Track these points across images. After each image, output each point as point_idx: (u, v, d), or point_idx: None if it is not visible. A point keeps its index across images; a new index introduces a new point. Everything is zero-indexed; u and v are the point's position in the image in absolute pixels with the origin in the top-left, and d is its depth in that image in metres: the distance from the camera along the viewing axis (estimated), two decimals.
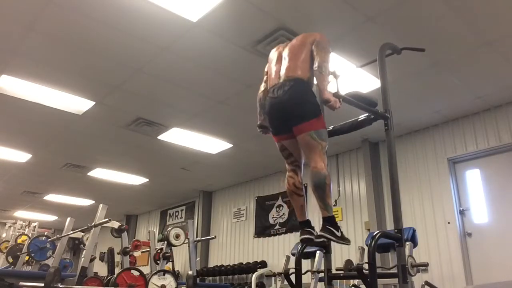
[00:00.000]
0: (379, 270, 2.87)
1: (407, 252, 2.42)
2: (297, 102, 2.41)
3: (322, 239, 2.40)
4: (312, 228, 2.47)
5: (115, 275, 4.61)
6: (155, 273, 4.58)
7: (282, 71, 2.54)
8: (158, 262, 5.72)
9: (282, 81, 2.49)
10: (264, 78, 2.76)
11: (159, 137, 6.60)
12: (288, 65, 2.53)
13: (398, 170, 2.57)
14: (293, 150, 2.56)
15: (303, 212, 2.54)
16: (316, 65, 2.43)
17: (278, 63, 2.63)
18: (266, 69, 2.78)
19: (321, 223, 2.39)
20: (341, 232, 2.41)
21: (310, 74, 2.49)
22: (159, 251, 5.85)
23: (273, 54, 2.75)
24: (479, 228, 5.31)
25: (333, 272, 2.80)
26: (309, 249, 4.25)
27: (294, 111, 2.42)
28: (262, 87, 2.78)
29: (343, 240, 2.40)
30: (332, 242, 2.80)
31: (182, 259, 9.81)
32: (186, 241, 6.24)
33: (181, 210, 10.72)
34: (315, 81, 2.51)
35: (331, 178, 2.39)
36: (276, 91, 2.49)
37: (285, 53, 2.62)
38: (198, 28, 3.95)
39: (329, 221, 2.37)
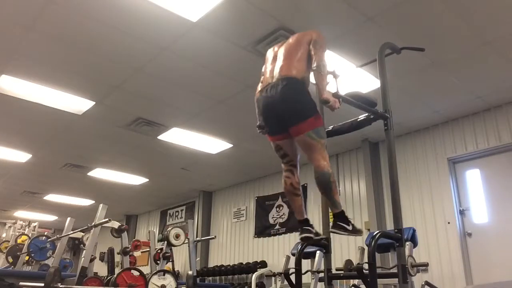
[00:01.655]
0: (379, 270, 2.87)
1: (407, 252, 2.42)
2: (291, 102, 2.38)
3: (322, 237, 2.47)
4: (311, 226, 2.49)
5: (115, 275, 4.60)
6: (155, 273, 4.58)
7: (276, 70, 2.51)
8: (158, 262, 5.72)
9: (275, 80, 2.45)
10: (261, 79, 2.75)
11: (159, 137, 6.60)
12: (282, 64, 2.51)
13: (398, 170, 2.58)
14: (288, 150, 2.54)
15: (301, 211, 2.53)
16: (314, 64, 2.41)
17: (273, 62, 2.60)
18: (262, 70, 2.76)
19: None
20: (352, 225, 2.43)
21: (305, 74, 2.47)
22: (159, 251, 5.85)
23: (269, 54, 2.73)
24: (479, 228, 5.31)
25: (333, 272, 2.80)
26: (309, 249, 4.25)
27: (289, 111, 2.39)
28: (258, 87, 2.77)
29: (355, 232, 2.43)
30: (332, 243, 2.82)
31: (182, 259, 9.81)
32: (186, 241, 6.24)
33: (181, 210, 10.72)
34: (312, 80, 2.49)
35: (334, 175, 2.40)
36: (269, 90, 2.46)
37: (281, 52, 2.60)
38: (198, 28, 3.95)
39: (339, 217, 2.41)
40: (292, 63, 2.48)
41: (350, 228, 2.40)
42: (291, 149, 2.53)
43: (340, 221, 2.40)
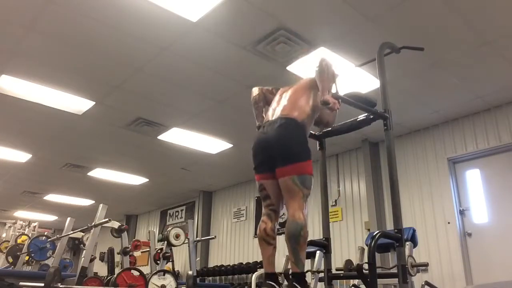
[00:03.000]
0: (379, 270, 2.87)
1: (407, 252, 2.42)
2: (284, 141, 2.29)
3: None
4: (278, 283, 2.25)
5: (115, 275, 4.61)
6: (155, 273, 4.58)
7: (278, 110, 2.45)
8: (158, 262, 5.73)
9: (275, 118, 2.39)
10: (264, 88, 2.74)
11: (159, 137, 6.60)
12: (286, 104, 2.46)
13: (398, 170, 2.57)
14: (271, 192, 2.38)
15: (270, 263, 2.30)
16: (317, 64, 2.40)
17: (278, 101, 2.56)
18: (271, 88, 2.74)
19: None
20: None
21: (306, 117, 2.40)
22: (159, 251, 5.85)
23: (278, 94, 2.67)
24: (479, 228, 5.30)
25: (333, 272, 2.80)
26: (309, 249, 4.24)
27: (279, 150, 2.29)
28: (256, 90, 2.76)
29: None
30: (332, 243, 2.81)
31: (182, 259, 9.81)
32: (186, 241, 6.24)
33: (181, 210, 10.72)
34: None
35: (307, 231, 2.20)
36: (266, 126, 2.40)
37: (287, 93, 2.56)
38: (198, 28, 3.95)
39: (298, 279, 2.15)
40: (296, 104, 2.42)
41: None
42: (274, 192, 2.37)
43: (298, 284, 2.13)
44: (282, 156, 2.26)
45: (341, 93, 2.42)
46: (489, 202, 5.28)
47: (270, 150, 2.32)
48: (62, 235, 5.60)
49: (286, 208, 2.28)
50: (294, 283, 2.13)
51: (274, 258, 2.32)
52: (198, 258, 8.35)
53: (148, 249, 6.72)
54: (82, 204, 10.98)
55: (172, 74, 4.79)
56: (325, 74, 2.35)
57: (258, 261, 7.77)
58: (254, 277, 7.05)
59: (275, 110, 2.48)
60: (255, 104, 2.73)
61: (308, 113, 2.42)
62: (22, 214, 12.01)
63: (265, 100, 2.75)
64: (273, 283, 2.21)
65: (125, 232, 5.77)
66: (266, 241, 2.32)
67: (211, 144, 6.89)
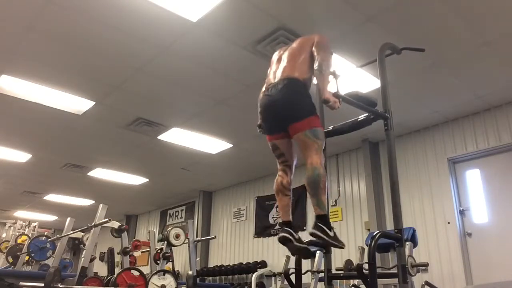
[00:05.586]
0: (379, 270, 2.87)
1: (407, 252, 2.42)
2: (291, 100, 2.40)
3: (302, 245, 2.33)
4: (293, 230, 2.40)
5: (115, 275, 4.61)
6: (155, 273, 4.58)
7: (279, 72, 2.55)
8: (158, 262, 5.72)
9: (277, 80, 2.49)
10: (266, 80, 2.78)
11: (159, 137, 6.60)
12: (285, 66, 2.55)
13: (398, 170, 2.57)
14: (284, 149, 2.54)
15: (287, 212, 2.49)
16: (316, 64, 2.43)
17: (277, 64, 2.65)
18: (268, 72, 2.79)
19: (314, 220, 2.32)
20: (334, 233, 2.31)
21: (307, 75, 2.49)
22: (159, 251, 5.85)
23: (274, 57, 2.77)
24: (479, 228, 5.31)
25: (333, 272, 2.80)
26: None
27: (288, 110, 2.40)
28: (262, 89, 2.79)
29: (336, 241, 2.29)
30: None
31: (182, 259, 9.81)
32: (186, 241, 6.23)
33: (181, 210, 10.72)
34: (314, 81, 2.52)
35: (326, 176, 2.35)
36: (270, 89, 2.49)
37: (285, 56, 2.64)
38: (198, 28, 3.95)
39: (322, 220, 2.30)
40: (295, 65, 2.51)
41: (331, 234, 2.27)
42: (287, 149, 2.54)
43: (323, 224, 2.28)
44: (292, 114, 2.38)
45: (342, 92, 2.42)
46: (489, 202, 5.28)
47: (279, 111, 2.43)
48: (62, 235, 5.60)
49: (304, 160, 2.38)
50: (318, 223, 2.28)
51: (290, 207, 2.50)
52: (198, 258, 8.35)
53: (148, 249, 6.72)
54: (82, 204, 10.98)
55: (172, 74, 4.79)
56: (324, 73, 2.39)
57: (258, 261, 7.78)
58: (254, 277, 7.06)
59: (276, 72, 2.58)
60: (259, 102, 2.75)
61: (308, 74, 2.51)
62: (22, 214, 12.02)
63: None
64: (289, 229, 2.37)
65: (125, 232, 5.77)
66: (284, 193, 2.52)
67: (211, 144, 6.89)
